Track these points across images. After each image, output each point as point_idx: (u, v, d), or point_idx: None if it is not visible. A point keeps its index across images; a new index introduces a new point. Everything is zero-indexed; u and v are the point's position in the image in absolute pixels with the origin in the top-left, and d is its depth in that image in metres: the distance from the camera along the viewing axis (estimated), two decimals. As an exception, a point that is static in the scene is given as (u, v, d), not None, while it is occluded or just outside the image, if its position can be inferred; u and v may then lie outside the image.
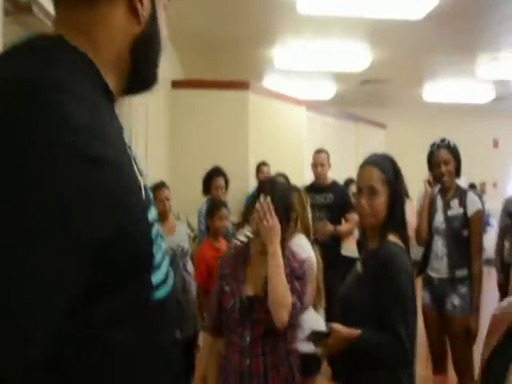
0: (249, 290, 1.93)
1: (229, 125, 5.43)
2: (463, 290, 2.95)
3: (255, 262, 1.99)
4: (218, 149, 5.29)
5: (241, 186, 5.19)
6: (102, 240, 0.67)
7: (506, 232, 4.05)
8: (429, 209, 3.11)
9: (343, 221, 4.37)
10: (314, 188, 4.40)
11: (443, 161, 3.02)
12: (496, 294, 4.22)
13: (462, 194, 3.04)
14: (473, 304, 2.92)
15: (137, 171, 0.79)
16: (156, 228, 0.80)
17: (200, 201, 4.36)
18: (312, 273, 2.39)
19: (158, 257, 0.80)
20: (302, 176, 5.67)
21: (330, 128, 7.34)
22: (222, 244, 3.38)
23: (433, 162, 3.07)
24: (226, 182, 4.36)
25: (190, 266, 3.44)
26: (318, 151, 4.43)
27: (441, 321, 3.06)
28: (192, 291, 3.36)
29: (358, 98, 8.88)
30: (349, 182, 5.72)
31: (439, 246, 3.04)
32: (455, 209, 3.00)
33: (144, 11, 0.82)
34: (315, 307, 2.47)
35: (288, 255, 1.98)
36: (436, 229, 3.07)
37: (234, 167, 5.31)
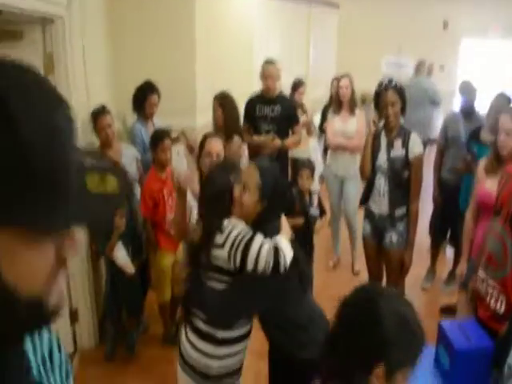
0: None
1: (174, 23, 4.99)
2: (401, 227, 3.12)
3: None
4: (163, 48, 4.92)
5: (189, 87, 4.98)
6: None
7: (445, 149, 4.18)
8: (372, 146, 3.15)
9: (290, 133, 4.37)
10: (263, 99, 4.30)
11: (390, 102, 2.99)
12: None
13: (405, 135, 3.06)
14: (408, 240, 3.12)
15: None
16: None
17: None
18: None
19: None
20: (251, 68, 5.41)
21: (281, 12, 6.94)
22: (169, 174, 3.31)
23: (380, 102, 3.04)
24: (159, 98, 4.01)
25: (138, 193, 3.40)
26: (268, 62, 4.21)
27: (379, 250, 3.27)
28: (139, 220, 3.33)
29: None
30: (298, 84, 5.58)
31: (381, 183, 3.12)
32: (398, 150, 3.04)
33: None
34: None
35: None
36: (379, 167, 3.13)
37: (180, 67, 5.01)
